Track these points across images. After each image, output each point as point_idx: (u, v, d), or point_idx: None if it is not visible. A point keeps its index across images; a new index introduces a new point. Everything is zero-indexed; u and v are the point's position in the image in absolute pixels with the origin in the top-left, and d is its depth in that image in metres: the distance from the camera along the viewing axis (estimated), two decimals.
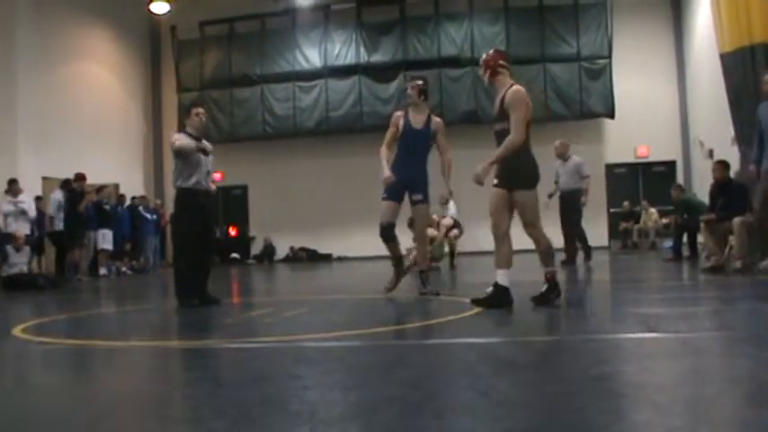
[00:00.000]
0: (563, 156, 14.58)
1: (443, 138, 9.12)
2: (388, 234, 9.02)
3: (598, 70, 23.04)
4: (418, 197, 8.95)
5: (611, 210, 23.48)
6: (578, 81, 22.98)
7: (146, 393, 4.25)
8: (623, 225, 22.63)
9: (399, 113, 9.14)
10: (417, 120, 8.97)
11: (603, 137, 23.76)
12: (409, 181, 8.90)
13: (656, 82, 23.45)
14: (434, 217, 15.80)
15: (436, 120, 9.10)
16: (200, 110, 9.13)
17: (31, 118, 18.60)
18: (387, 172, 8.85)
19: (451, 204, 15.50)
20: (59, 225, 16.82)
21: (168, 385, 4.55)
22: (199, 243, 8.84)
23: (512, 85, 7.21)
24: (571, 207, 14.23)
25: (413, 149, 8.95)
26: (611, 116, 22.90)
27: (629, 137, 23.22)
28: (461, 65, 23.42)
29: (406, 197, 9.04)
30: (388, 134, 9.06)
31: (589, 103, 22.99)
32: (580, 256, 14.66)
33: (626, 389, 3.67)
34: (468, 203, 22.41)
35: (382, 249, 9.47)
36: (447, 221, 15.88)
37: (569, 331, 5.63)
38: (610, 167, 23.79)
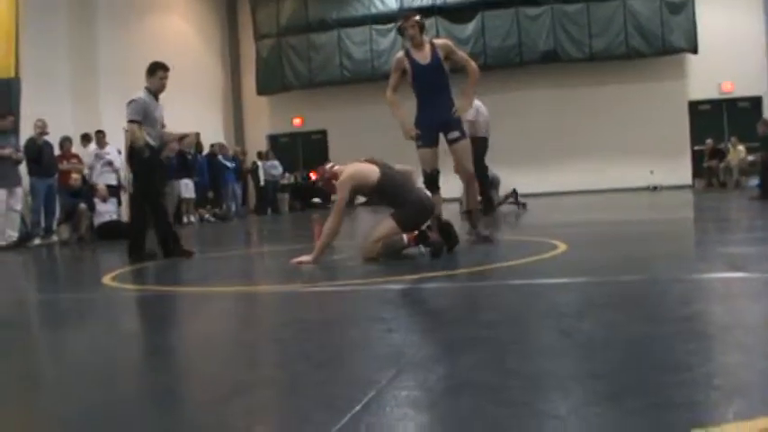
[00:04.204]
0: None
1: (456, 52, 8.23)
2: (436, 180, 8.34)
3: (680, 4, 22.33)
4: (455, 135, 8.17)
5: (695, 147, 22.95)
6: (659, 15, 22.33)
7: (232, 338, 4.35)
8: (707, 163, 22.09)
9: (401, 56, 8.25)
10: (422, 56, 8.08)
11: (686, 73, 23.14)
12: (440, 121, 8.15)
13: (742, 14, 22.62)
14: None
15: (439, 42, 8.25)
16: (167, 74, 9.69)
17: (112, 71, 18.85)
18: (405, 122, 8.25)
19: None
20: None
21: (254, 329, 4.65)
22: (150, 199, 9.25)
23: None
24: None
25: (431, 87, 8.10)
26: (694, 51, 22.28)
27: (713, 72, 22.55)
28: (540, 3, 22.89)
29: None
30: (393, 78, 8.27)
31: (671, 39, 22.36)
32: None
33: (713, 330, 3.63)
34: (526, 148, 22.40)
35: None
36: None
37: (654, 271, 5.56)
38: (693, 104, 23.23)
